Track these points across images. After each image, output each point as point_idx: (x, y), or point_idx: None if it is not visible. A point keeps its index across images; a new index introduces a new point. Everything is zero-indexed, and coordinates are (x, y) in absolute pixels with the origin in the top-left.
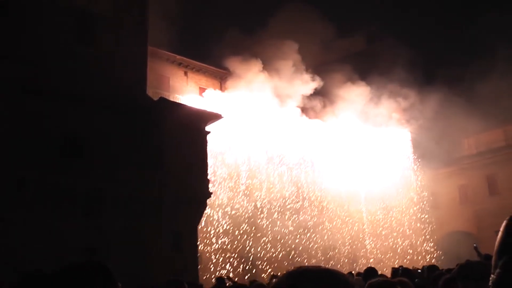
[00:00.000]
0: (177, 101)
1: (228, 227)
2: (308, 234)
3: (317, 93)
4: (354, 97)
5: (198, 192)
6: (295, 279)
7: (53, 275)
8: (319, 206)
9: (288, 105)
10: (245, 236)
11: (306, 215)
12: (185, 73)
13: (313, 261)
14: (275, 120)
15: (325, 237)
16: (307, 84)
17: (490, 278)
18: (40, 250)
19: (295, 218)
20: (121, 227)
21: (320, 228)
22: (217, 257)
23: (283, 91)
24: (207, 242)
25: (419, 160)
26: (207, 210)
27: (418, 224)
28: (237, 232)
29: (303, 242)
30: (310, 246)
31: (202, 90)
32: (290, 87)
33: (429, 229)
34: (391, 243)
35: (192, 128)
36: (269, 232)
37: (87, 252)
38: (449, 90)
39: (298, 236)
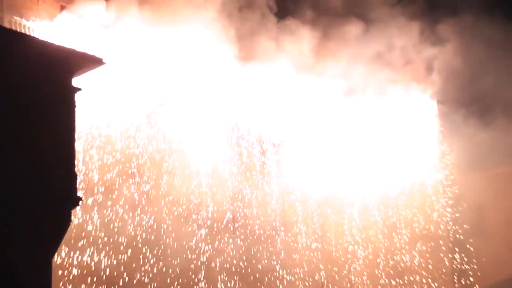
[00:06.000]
0: (20, 31)
1: (108, 261)
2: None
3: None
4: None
5: (55, 196)
6: None
7: None
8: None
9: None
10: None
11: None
12: None
13: None
14: (206, 72)
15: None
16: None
17: None
18: None
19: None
20: None
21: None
22: None
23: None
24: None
25: (453, 152)
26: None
27: (449, 262)
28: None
29: None
30: None
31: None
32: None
33: (470, 271)
34: None
35: (48, 80)
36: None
37: None
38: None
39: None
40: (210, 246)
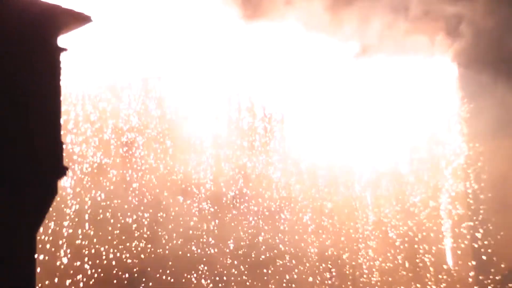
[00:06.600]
0: None
1: (98, 240)
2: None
3: None
4: None
5: (39, 166)
6: None
7: None
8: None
9: None
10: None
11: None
12: None
13: None
14: (206, 32)
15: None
16: None
17: None
18: None
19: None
20: None
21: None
22: None
23: None
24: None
25: (473, 118)
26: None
27: (464, 242)
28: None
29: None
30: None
31: None
32: None
33: (487, 250)
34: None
35: (30, 38)
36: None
37: None
38: None
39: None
40: (210, 225)
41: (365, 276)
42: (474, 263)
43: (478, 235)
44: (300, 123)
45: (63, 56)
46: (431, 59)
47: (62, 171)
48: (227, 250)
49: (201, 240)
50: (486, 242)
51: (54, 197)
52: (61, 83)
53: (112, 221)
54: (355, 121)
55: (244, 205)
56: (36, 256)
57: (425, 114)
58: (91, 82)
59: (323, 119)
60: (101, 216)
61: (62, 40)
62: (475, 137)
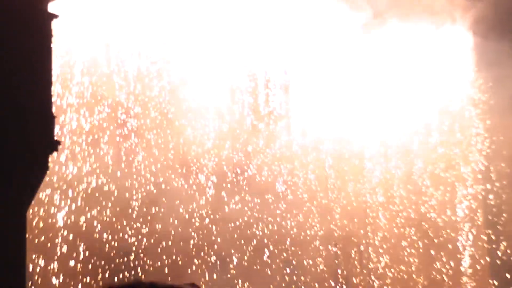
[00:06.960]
0: None
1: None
2: None
3: None
4: None
5: (30, 140)
6: None
7: None
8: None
9: None
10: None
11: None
12: None
13: None
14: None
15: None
16: None
17: None
18: None
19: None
20: None
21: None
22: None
23: None
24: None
25: (488, 95)
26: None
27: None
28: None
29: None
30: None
31: None
32: None
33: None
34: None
35: (19, 4)
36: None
37: None
38: None
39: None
40: (211, 205)
41: (376, 285)
42: (496, 282)
43: (499, 253)
44: (304, 116)
45: (54, 24)
46: (445, 29)
47: (53, 145)
48: (229, 260)
49: (203, 251)
50: (509, 251)
51: (45, 174)
52: (52, 52)
53: (109, 237)
54: (364, 110)
55: (247, 213)
56: (26, 241)
57: (439, 96)
58: (84, 48)
59: (329, 109)
60: (97, 235)
61: (53, 6)
62: (495, 124)
